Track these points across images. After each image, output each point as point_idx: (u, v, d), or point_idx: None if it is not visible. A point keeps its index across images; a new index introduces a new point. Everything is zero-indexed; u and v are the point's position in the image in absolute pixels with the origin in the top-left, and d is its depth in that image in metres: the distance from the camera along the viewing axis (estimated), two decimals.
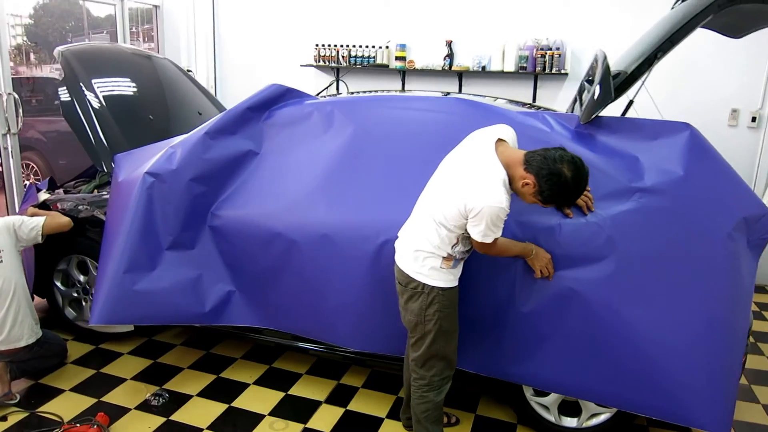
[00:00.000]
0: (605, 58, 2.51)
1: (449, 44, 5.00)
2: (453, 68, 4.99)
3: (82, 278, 3.33)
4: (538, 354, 2.40)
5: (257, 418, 2.73)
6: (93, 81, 3.40)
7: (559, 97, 4.84)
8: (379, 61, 5.21)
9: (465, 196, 2.05)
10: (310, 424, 2.70)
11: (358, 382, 3.06)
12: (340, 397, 2.92)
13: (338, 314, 2.72)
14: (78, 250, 3.27)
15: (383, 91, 3.33)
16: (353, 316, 2.70)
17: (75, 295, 3.38)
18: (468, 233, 2.13)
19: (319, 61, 5.39)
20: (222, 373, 3.10)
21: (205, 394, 2.90)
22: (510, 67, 4.77)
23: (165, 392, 2.88)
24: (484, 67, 4.89)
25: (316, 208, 2.71)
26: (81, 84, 3.34)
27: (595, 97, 2.44)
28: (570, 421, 2.62)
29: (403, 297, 2.29)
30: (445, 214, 2.13)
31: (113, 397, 2.85)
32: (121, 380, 3.00)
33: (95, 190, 3.49)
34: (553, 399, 2.62)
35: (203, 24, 5.68)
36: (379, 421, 2.74)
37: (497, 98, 3.49)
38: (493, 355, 2.49)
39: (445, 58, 5.02)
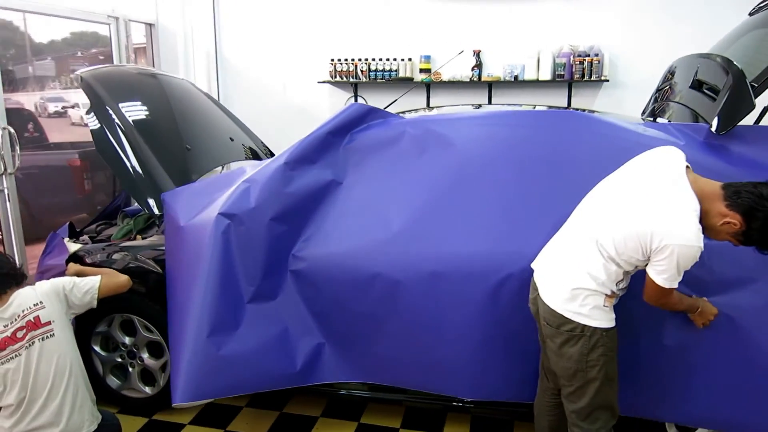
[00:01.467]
0: (733, 63, 2.30)
1: (477, 54, 4.75)
2: (483, 79, 4.74)
3: (127, 340, 2.85)
4: (688, 389, 2.14)
5: None
6: (120, 106, 2.95)
7: (594, 105, 4.66)
8: (402, 74, 4.90)
9: (652, 230, 1.75)
10: None
11: (396, 423, 2.71)
12: None
13: (452, 361, 2.38)
14: (122, 308, 2.79)
15: (462, 105, 3.02)
16: (470, 362, 2.36)
17: (119, 360, 2.89)
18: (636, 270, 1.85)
19: (335, 77, 5.04)
20: None
21: None
22: (546, 75, 4.55)
23: None
24: (516, 77, 4.65)
25: (421, 242, 2.36)
26: (109, 109, 2.89)
27: (724, 105, 2.22)
28: None
29: (556, 341, 1.97)
30: (618, 248, 1.83)
31: None
32: None
33: (136, 236, 3.01)
34: None
35: (203, 41, 5.23)
36: None
37: (536, 105, 3.25)
38: (639, 394, 2.21)
39: (473, 69, 4.76)
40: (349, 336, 2.50)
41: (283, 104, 5.21)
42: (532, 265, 2.14)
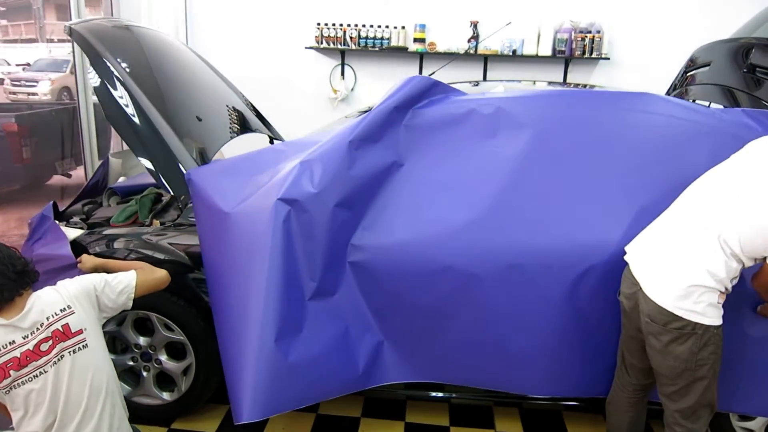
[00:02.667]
0: None
1: (474, 25, 4.54)
2: (479, 52, 4.55)
3: (142, 341, 2.47)
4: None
5: None
6: (122, 63, 2.50)
7: (590, 82, 4.61)
8: (395, 43, 4.59)
9: None
10: None
11: (517, 428, 2.59)
12: None
13: (526, 358, 2.25)
14: (137, 305, 2.38)
15: (518, 81, 2.82)
16: (545, 358, 2.24)
17: (130, 363, 2.50)
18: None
19: (321, 43, 4.65)
20: None
21: None
22: (546, 50, 4.43)
23: None
24: (515, 51, 4.50)
25: (497, 231, 2.17)
26: (110, 65, 2.44)
27: None
28: None
29: (662, 339, 1.85)
30: (744, 244, 1.74)
31: None
32: None
33: (152, 220, 2.58)
34: (759, 423, 2.37)
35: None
36: None
37: (535, 81, 3.14)
38: (735, 388, 2.17)
39: (469, 41, 4.55)
40: (412, 333, 2.29)
41: (263, 70, 4.77)
42: (628, 258, 2.01)
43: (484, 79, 4.68)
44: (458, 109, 2.34)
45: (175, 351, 2.50)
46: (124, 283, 1.94)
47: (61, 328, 1.78)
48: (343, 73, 4.76)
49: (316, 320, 2.11)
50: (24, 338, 1.73)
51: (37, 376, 1.74)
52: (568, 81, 4.61)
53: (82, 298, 1.85)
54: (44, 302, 1.79)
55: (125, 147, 4.02)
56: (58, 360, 1.77)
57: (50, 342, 1.76)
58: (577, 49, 4.39)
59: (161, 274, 2.05)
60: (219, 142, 2.78)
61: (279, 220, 2.04)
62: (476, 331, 2.23)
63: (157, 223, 2.49)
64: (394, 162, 2.28)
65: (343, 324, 2.20)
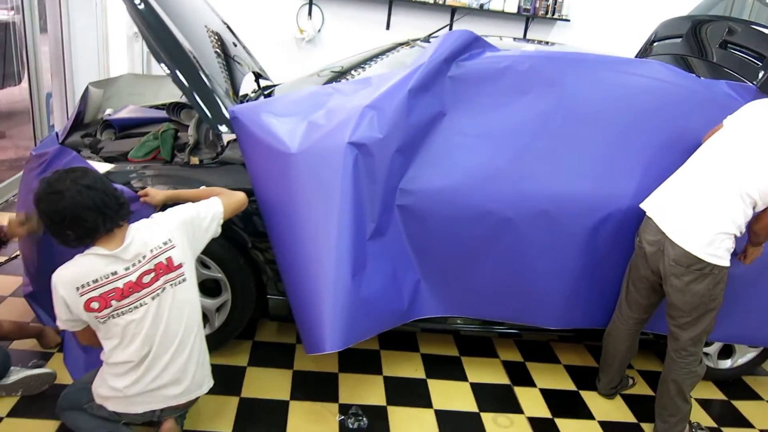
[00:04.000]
0: None
1: None
2: (447, 3, 4.66)
3: None
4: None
5: (475, 417, 2.45)
6: None
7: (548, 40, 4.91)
8: None
9: None
10: (529, 412, 2.53)
11: (516, 356, 2.92)
12: (519, 375, 2.77)
13: (546, 295, 2.56)
14: None
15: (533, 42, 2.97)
16: (562, 295, 2.57)
17: None
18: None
19: None
20: (385, 372, 2.66)
21: (395, 401, 2.47)
22: (512, 8, 4.65)
23: (359, 410, 2.37)
24: (482, 5, 4.67)
25: (531, 180, 2.41)
26: None
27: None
28: (724, 363, 2.94)
29: (684, 278, 2.20)
30: (762, 193, 2.10)
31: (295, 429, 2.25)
32: (280, 404, 2.36)
33: (191, 157, 2.48)
34: (715, 348, 2.89)
35: None
36: (577, 393, 2.69)
37: (501, 37, 3.40)
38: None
39: None
40: (447, 272, 2.49)
41: (223, 4, 4.54)
42: (650, 211, 2.30)
43: (450, 28, 4.81)
44: (497, 64, 2.48)
45: (207, 289, 2.50)
46: (212, 210, 1.93)
47: (165, 261, 1.77)
48: (310, 13, 4.66)
49: (374, 259, 2.23)
50: (126, 269, 1.71)
51: (137, 308, 1.74)
52: (528, 38, 4.88)
53: (180, 231, 1.83)
54: (146, 234, 1.77)
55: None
56: (160, 292, 1.76)
57: (153, 274, 1.75)
58: (540, 9, 4.66)
59: (241, 196, 2.05)
60: (237, 81, 2.72)
61: (349, 162, 2.11)
62: (505, 270, 2.48)
63: (195, 160, 2.42)
64: (439, 111, 2.41)
65: (391, 263, 2.35)
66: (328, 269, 2.06)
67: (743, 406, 2.78)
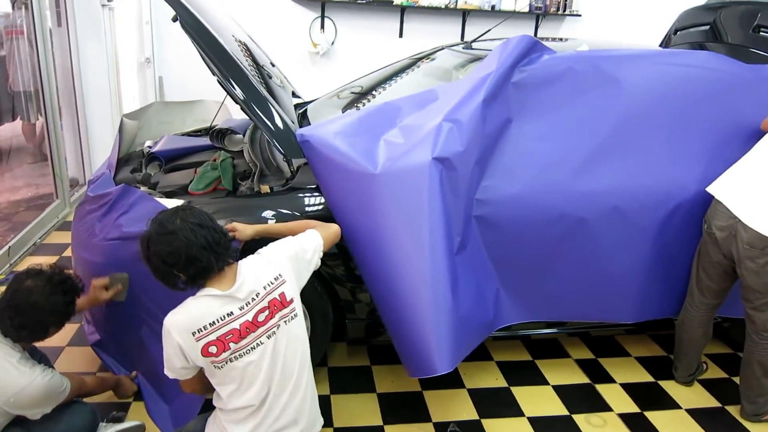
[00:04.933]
0: None
1: None
2: (459, 6, 4.66)
3: None
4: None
5: (568, 421, 2.44)
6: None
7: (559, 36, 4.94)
8: None
9: None
10: (618, 409, 2.53)
11: (587, 354, 2.92)
12: (596, 373, 2.77)
13: (621, 290, 2.58)
14: None
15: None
16: (637, 288, 2.58)
17: None
18: None
19: None
20: (468, 384, 2.63)
21: (487, 413, 2.45)
22: (523, 6, 4.66)
23: (456, 428, 2.34)
24: (493, 6, 4.67)
25: (600, 178, 2.42)
26: (200, 18, 2.25)
27: None
28: None
29: (758, 261, 2.24)
30: None
31: None
32: (375, 430, 2.32)
33: (260, 187, 2.42)
34: None
35: None
36: (656, 385, 2.70)
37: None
38: None
39: None
40: (524, 277, 2.49)
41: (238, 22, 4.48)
42: (721, 196, 2.32)
43: (463, 31, 4.82)
44: (557, 66, 2.48)
45: None
46: (314, 243, 1.88)
47: (278, 297, 1.72)
48: (323, 26, 4.63)
49: (463, 273, 2.21)
50: (240, 309, 1.66)
51: (254, 348, 1.68)
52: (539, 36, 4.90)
53: (288, 265, 1.78)
54: (257, 271, 1.72)
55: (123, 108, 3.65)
56: (276, 330, 1.71)
57: (267, 312, 1.69)
58: (552, 5, 4.68)
59: (336, 228, 2.00)
60: (284, 102, 2.67)
61: (435, 178, 2.09)
62: (581, 270, 2.48)
63: (266, 188, 2.37)
64: (507, 118, 2.40)
65: (475, 274, 2.33)
66: (428, 289, 2.04)
67: None
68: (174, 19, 2.24)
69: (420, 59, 3.45)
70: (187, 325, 1.63)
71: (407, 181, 2.10)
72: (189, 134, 3.33)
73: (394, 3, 4.61)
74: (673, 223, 2.49)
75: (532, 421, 2.42)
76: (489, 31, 3.10)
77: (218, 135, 3.01)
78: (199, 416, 1.96)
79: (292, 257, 1.80)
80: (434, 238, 2.07)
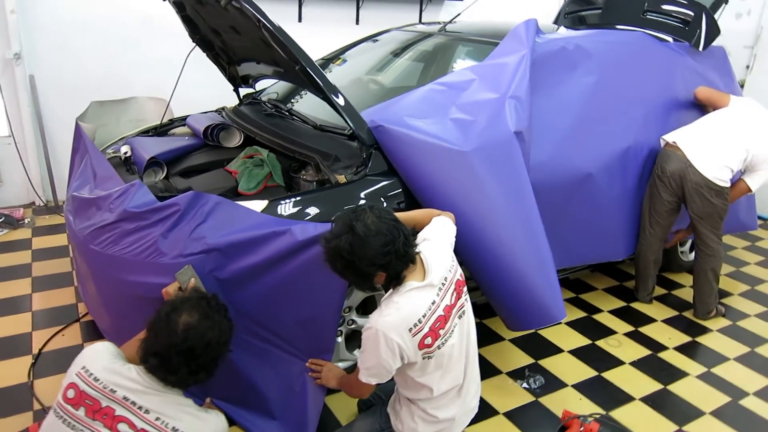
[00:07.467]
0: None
1: None
2: None
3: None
4: None
5: (594, 347, 2.88)
6: None
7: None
8: None
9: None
10: (621, 330, 3.05)
11: (568, 294, 3.41)
12: (585, 307, 3.26)
13: (613, 231, 3.12)
14: None
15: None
16: (624, 228, 3.16)
17: None
18: None
19: None
20: (506, 335, 2.91)
21: (539, 354, 2.76)
22: None
23: (529, 372, 2.61)
24: None
25: (609, 140, 2.91)
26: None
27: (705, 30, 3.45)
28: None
29: (705, 195, 2.94)
30: (755, 155, 2.96)
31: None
32: None
33: (320, 178, 2.29)
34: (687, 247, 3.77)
35: None
36: (629, 308, 3.30)
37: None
38: None
39: None
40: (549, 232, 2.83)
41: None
42: (681, 144, 2.94)
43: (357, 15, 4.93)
44: (554, 45, 2.86)
45: (367, 306, 2.44)
46: (453, 229, 1.94)
47: (460, 277, 1.78)
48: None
49: None
50: (437, 295, 1.69)
51: (453, 330, 1.73)
52: (423, 21, 5.24)
53: (450, 247, 1.83)
54: (437, 256, 1.74)
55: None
56: (465, 309, 1.78)
57: (455, 293, 1.75)
58: None
59: (453, 216, 2.05)
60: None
61: (517, 150, 2.31)
62: (583, 219, 2.92)
63: (342, 178, 2.29)
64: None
65: None
66: (537, 250, 2.28)
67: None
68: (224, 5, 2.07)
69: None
70: (403, 323, 1.62)
71: (499, 155, 2.27)
72: (159, 134, 2.98)
73: None
74: (645, 173, 3.08)
75: (572, 353, 2.81)
76: (454, 19, 3.32)
77: (213, 131, 2.78)
78: (364, 415, 1.93)
79: (451, 241, 1.87)
80: (530, 199, 2.30)
